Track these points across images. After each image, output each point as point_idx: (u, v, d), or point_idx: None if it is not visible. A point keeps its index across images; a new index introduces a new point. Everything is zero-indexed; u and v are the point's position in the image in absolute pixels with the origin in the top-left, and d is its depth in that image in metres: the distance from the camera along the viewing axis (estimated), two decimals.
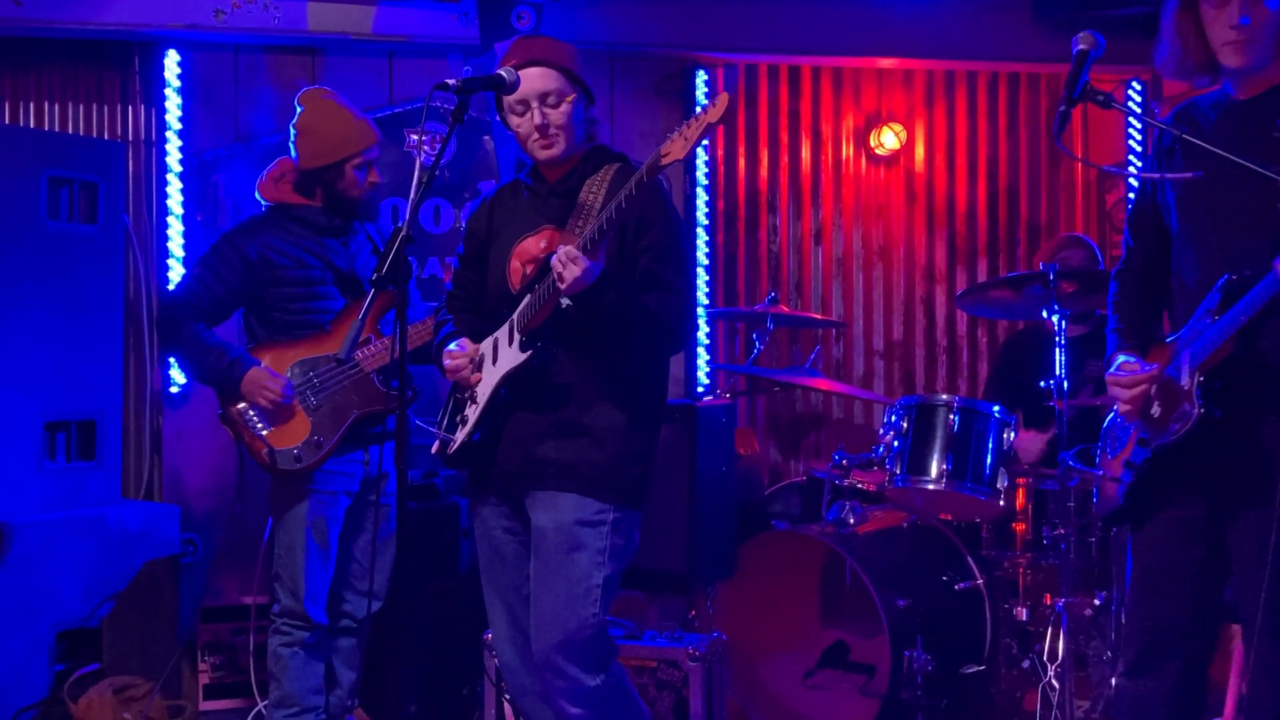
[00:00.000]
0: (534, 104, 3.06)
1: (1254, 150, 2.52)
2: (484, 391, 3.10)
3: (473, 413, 3.12)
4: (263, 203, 4.17)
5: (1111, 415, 3.00)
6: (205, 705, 4.68)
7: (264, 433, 3.93)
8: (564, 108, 3.08)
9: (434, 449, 3.24)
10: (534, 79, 3.06)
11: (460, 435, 3.15)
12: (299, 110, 4.10)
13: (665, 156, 2.75)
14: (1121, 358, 2.88)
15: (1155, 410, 2.76)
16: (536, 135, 3.08)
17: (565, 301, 2.94)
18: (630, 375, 3.09)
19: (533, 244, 3.11)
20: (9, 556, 4.11)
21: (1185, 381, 2.67)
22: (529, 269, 3.08)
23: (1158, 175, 2.46)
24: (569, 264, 2.83)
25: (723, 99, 2.70)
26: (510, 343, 3.05)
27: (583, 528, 3.02)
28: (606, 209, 2.85)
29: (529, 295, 3.03)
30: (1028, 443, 4.74)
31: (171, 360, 5.17)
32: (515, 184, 3.28)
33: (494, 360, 3.10)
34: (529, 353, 2.98)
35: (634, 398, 3.10)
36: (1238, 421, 2.65)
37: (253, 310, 4.09)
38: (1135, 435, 2.86)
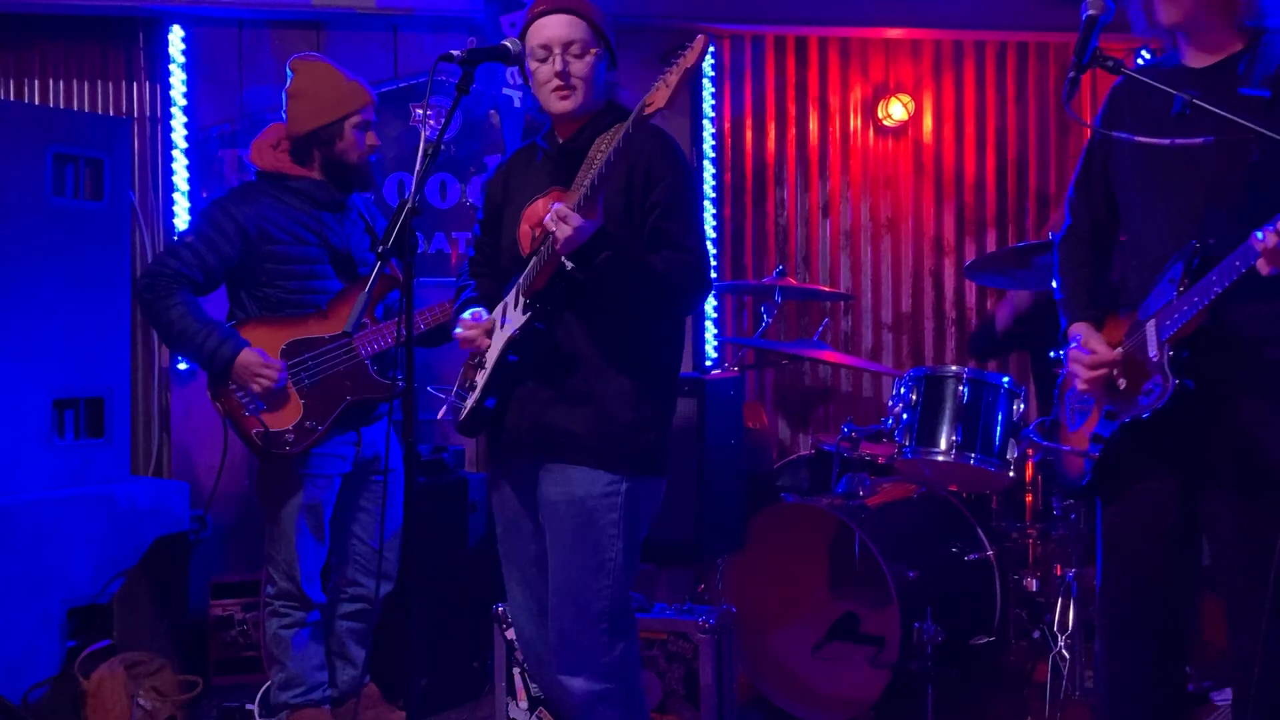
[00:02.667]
0: (556, 50, 2.99)
1: (1200, 116, 2.51)
2: (491, 356, 3.05)
3: (481, 378, 3.07)
4: (254, 168, 4.02)
5: (1071, 387, 2.94)
6: (216, 680, 4.69)
7: (255, 413, 3.84)
8: (587, 59, 3.01)
9: (439, 415, 3.20)
10: (559, 25, 3.00)
11: (469, 401, 3.10)
12: (290, 76, 3.98)
13: (649, 106, 2.68)
14: (1084, 333, 2.84)
15: (1121, 382, 2.73)
16: (556, 83, 3.00)
17: (568, 264, 2.89)
18: (640, 339, 3.02)
19: (541, 206, 3.04)
20: (19, 533, 4.12)
21: (1154, 353, 2.63)
22: (537, 231, 3.01)
23: (1167, 141, 2.43)
24: (560, 222, 2.76)
25: (699, 41, 2.64)
26: (515, 306, 3.00)
27: (593, 501, 2.98)
28: (598, 164, 2.78)
29: (534, 258, 2.97)
30: (1004, 308, 4.77)
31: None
32: (531, 146, 3.22)
33: (502, 324, 3.05)
34: (528, 314, 2.93)
35: (645, 363, 3.03)
36: (1209, 393, 2.62)
37: (243, 284, 3.94)
38: (1100, 407, 2.82)
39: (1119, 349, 2.75)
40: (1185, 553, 2.78)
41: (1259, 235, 2.35)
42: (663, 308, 3.03)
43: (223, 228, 3.87)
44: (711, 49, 5.76)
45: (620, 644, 3.03)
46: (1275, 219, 2.34)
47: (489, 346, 3.07)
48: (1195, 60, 2.74)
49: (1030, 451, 4.53)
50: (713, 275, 5.51)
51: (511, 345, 2.98)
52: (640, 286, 2.91)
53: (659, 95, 2.66)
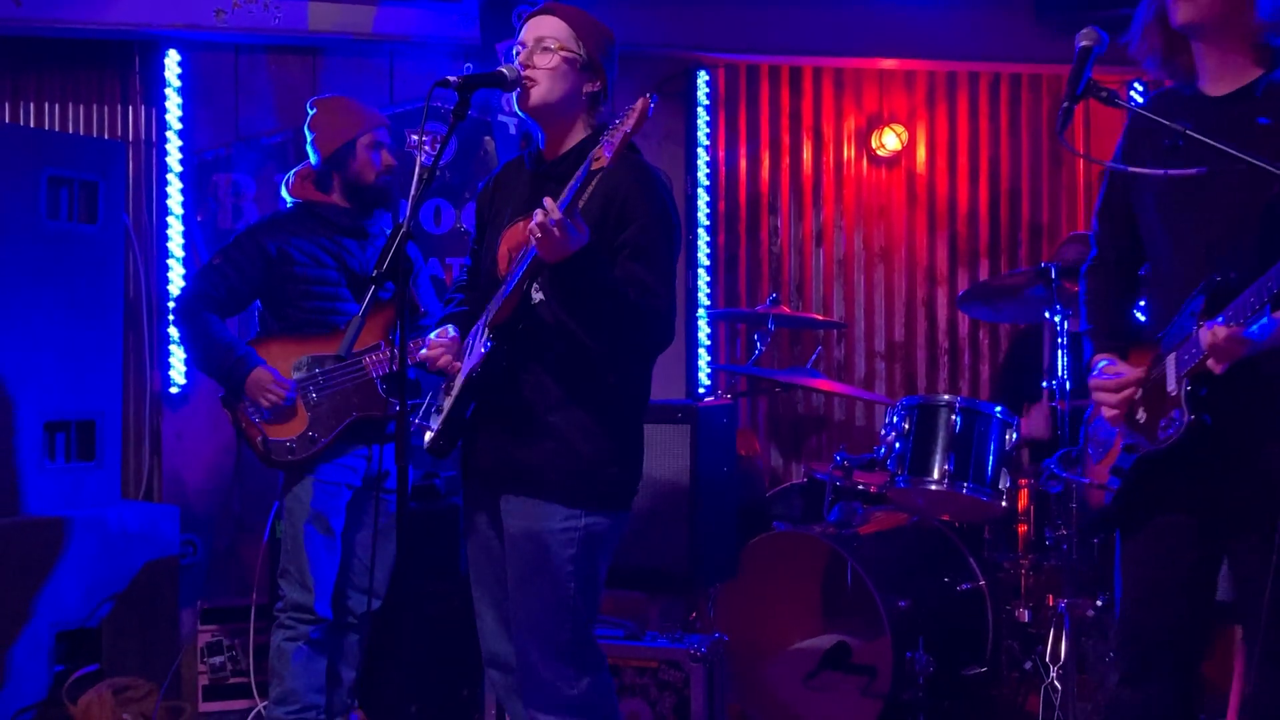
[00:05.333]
0: (529, 44, 2.96)
1: (1237, 147, 2.50)
2: (456, 383, 2.99)
3: (447, 404, 3.01)
4: (289, 200, 4.19)
5: (1095, 420, 2.94)
6: (205, 706, 4.68)
7: (260, 421, 3.99)
8: (553, 55, 2.94)
9: (426, 444, 3.13)
10: (533, 25, 2.99)
11: (436, 425, 3.04)
12: (310, 114, 4.15)
13: (596, 162, 2.67)
14: (1103, 361, 2.84)
15: (1140, 415, 2.73)
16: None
17: (537, 296, 2.86)
18: (603, 374, 2.94)
19: (520, 229, 2.97)
20: (9, 556, 4.10)
21: (1172, 387, 2.62)
22: (514, 255, 2.95)
23: (1161, 172, 2.43)
24: (544, 227, 2.65)
25: (639, 106, 2.64)
26: (482, 335, 2.94)
27: (550, 536, 2.92)
28: (574, 178, 2.72)
29: (501, 285, 2.91)
30: (1035, 422, 4.74)
31: (180, 353, 5.24)
32: (520, 160, 3.16)
33: (470, 351, 2.99)
34: (488, 349, 2.87)
35: (608, 398, 2.96)
36: (1228, 428, 2.61)
37: (268, 304, 4.13)
38: (1121, 441, 2.82)
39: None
40: (1204, 590, 2.77)
41: (1220, 319, 2.44)
42: (625, 346, 2.94)
43: (247, 251, 4.07)
44: (706, 76, 5.81)
45: (586, 678, 2.98)
46: (1223, 312, 2.44)
47: (459, 369, 3.00)
48: (1214, 87, 2.72)
49: (1024, 482, 4.53)
50: (701, 313, 5.46)
51: (472, 381, 2.91)
52: (613, 317, 2.84)
53: (603, 154, 2.66)
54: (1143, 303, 2.98)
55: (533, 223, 2.69)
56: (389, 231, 4.20)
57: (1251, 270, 2.48)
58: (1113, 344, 2.88)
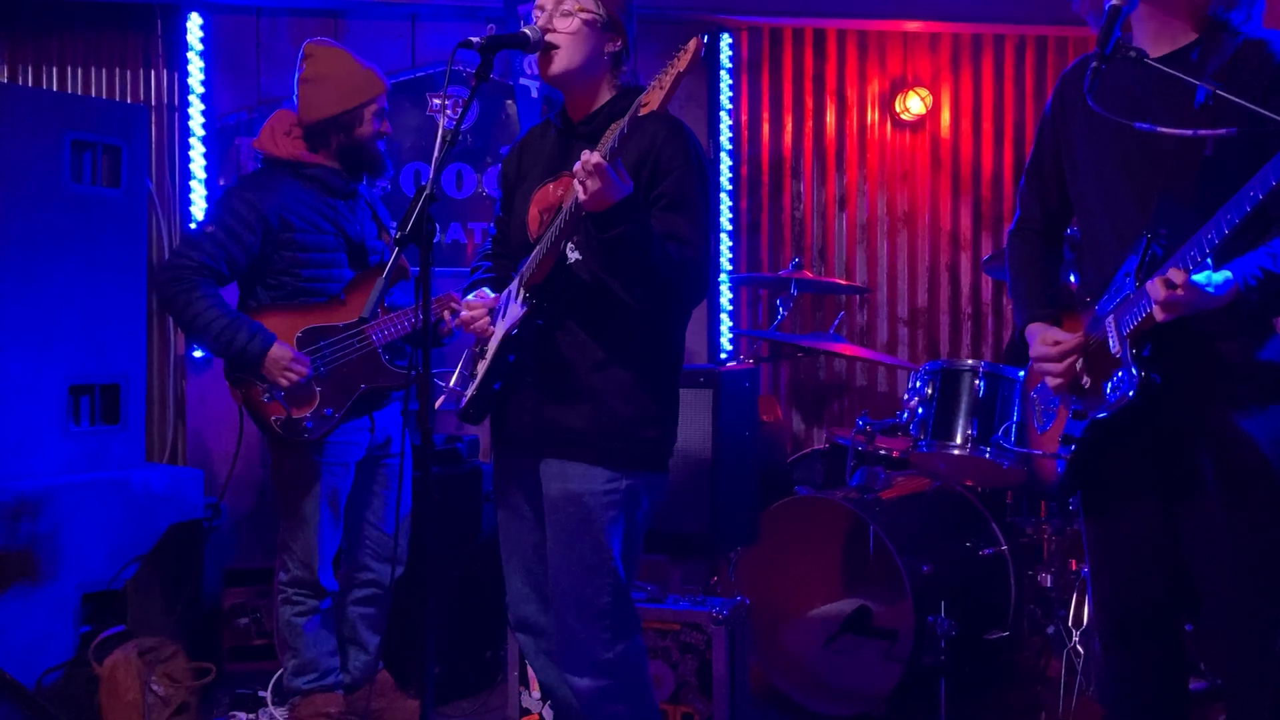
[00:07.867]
0: (547, 8, 2.90)
1: (1170, 110, 2.48)
2: (491, 347, 2.97)
3: (481, 368, 3.00)
4: (263, 154, 4.01)
5: (1036, 387, 2.90)
6: (230, 667, 4.70)
7: (275, 400, 3.85)
8: (576, 17, 2.88)
9: (437, 404, 3.12)
10: None
11: (470, 390, 3.03)
12: (307, 61, 3.97)
13: (644, 107, 2.60)
14: (1041, 331, 2.80)
15: (1085, 381, 2.69)
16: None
17: (573, 256, 2.84)
18: (641, 333, 2.92)
19: (551, 191, 2.95)
20: (35, 519, 4.12)
21: (1115, 348, 2.59)
22: (546, 217, 2.93)
23: (1190, 132, 2.40)
24: (590, 175, 2.61)
25: (691, 45, 2.57)
26: (516, 297, 2.92)
27: (593, 498, 2.90)
28: (612, 133, 2.68)
29: (536, 246, 2.88)
30: None
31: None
32: (545, 124, 3.12)
33: (504, 314, 2.96)
34: (525, 309, 2.85)
35: (645, 357, 2.94)
36: (1175, 390, 2.57)
37: (259, 272, 3.94)
38: (1068, 408, 2.77)
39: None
40: (1173, 555, 2.73)
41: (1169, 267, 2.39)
42: (663, 301, 2.90)
43: (244, 217, 3.86)
44: (730, 39, 5.78)
45: (622, 642, 2.98)
46: (1167, 265, 2.39)
47: (493, 333, 2.97)
48: (1149, 49, 2.65)
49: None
50: (723, 278, 5.45)
51: (510, 342, 2.90)
52: (652, 272, 2.77)
53: (653, 97, 2.59)
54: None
55: (576, 168, 2.63)
56: (367, 195, 4.14)
57: (1180, 229, 2.45)
58: (1045, 311, 2.84)
